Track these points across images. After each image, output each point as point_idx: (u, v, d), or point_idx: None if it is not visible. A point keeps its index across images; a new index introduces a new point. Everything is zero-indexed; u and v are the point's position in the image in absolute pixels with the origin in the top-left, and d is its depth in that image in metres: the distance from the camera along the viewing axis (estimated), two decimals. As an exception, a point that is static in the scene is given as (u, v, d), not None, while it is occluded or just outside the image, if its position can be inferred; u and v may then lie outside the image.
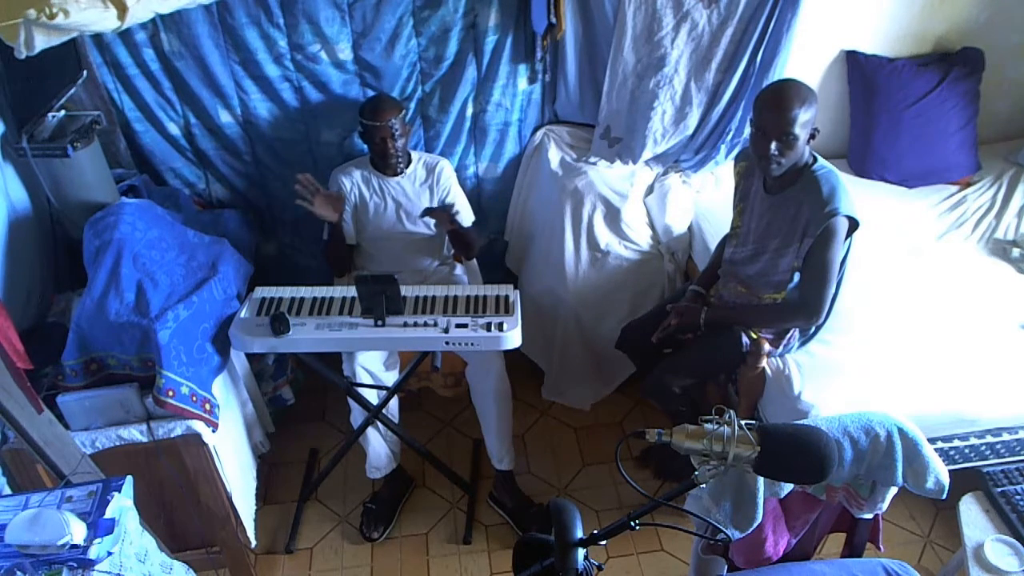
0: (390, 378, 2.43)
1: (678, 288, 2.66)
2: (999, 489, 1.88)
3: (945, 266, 2.52)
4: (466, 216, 2.53)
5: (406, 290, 2.15)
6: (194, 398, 1.93)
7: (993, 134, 3.00)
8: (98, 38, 2.28)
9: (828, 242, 1.93)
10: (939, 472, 1.62)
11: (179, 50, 2.34)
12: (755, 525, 1.61)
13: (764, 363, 2.16)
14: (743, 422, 1.24)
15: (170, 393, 1.86)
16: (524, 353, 2.86)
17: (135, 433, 1.90)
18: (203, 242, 2.22)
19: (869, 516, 1.77)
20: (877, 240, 2.45)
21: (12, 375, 1.44)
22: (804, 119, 1.88)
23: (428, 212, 2.37)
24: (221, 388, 2.12)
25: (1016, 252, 2.56)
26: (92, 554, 1.30)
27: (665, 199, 2.68)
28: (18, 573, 1.27)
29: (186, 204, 2.48)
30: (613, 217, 2.65)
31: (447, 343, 2.04)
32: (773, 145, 1.92)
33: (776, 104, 1.90)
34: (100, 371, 1.94)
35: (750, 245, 2.15)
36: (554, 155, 2.69)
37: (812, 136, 1.94)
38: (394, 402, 2.46)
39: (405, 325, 2.06)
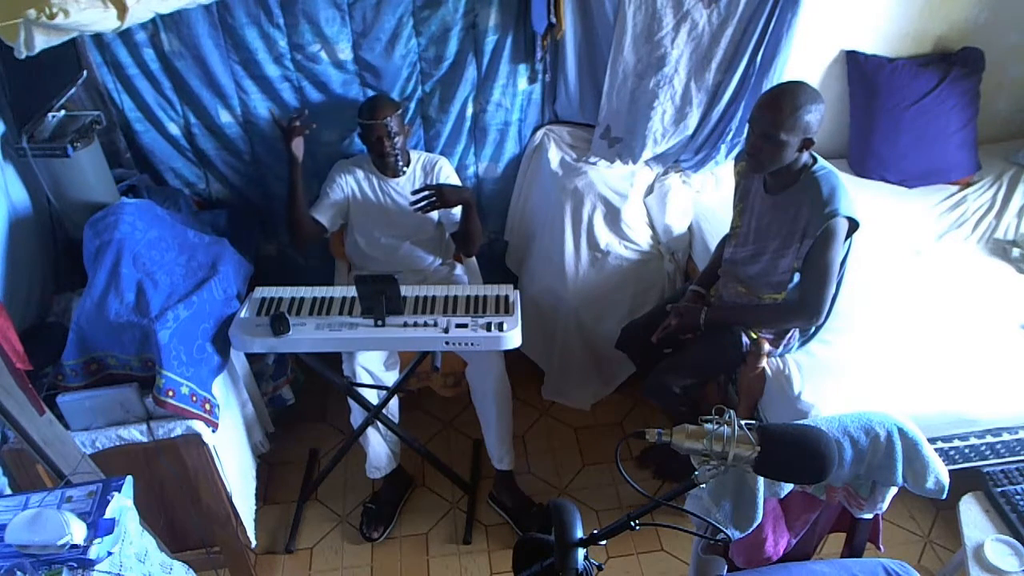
0: (390, 378, 2.43)
1: (678, 288, 2.66)
2: (999, 489, 1.88)
3: (945, 266, 2.52)
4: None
5: (406, 290, 2.15)
6: (194, 398, 1.93)
7: (993, 134, 3.00)
8: (98, 38, 2.28)
9: (828, 243, 1.93)
10: (939, 472, 1.62)
11: (179, 50, 2.34)
12: (755, 525, 1.61)
13: (764, 363, 2.16)
14: (743, 422, 1.24)
15: (170, 393, 1.86)
16: (524, 353, 2.86)
17: (135, 433, 1.90)
18: (203, 242, 2.22)
19: (869, 516, 1.77)
20: (877, 240, 2.45)
21: (13, 376, 1.44)
22: (794, 125, 1.87)
23: (415, 193, 2.35)
24: (221, 388, 2.12)
25: (1016, 252, 2.56)
26: (92, 554, 1.30)
27: (665, 199, 2.68)
28: (18, 573, 1.27)
29: (186, 204, 2.47)
30: (613, 217, 2.65)
31: (447, 343, 2.04)
32: (756, 143, 1.93)
33: (768, 105, 1.91)
34: (100, 371, 1.94)
35: (750, 245, 2.15)
36: (554, 155, 2.69)
37: (805, 144, 1.92)
38: (394, 402, 2.46)
39: (405, 325, 2.06)
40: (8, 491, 1.78)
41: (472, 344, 2.04)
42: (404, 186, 2.48)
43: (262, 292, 2.19)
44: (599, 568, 1.31)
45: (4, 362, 1.42)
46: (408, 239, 2.53)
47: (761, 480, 1.58)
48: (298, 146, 2.39)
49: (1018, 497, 1.85)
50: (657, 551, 2.45)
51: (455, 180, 2.54)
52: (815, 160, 2.01)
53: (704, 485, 1.25)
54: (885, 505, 1.72)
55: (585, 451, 2.81)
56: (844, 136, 2.96)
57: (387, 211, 2.49)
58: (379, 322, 2.06)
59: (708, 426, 1.24)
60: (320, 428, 2.90)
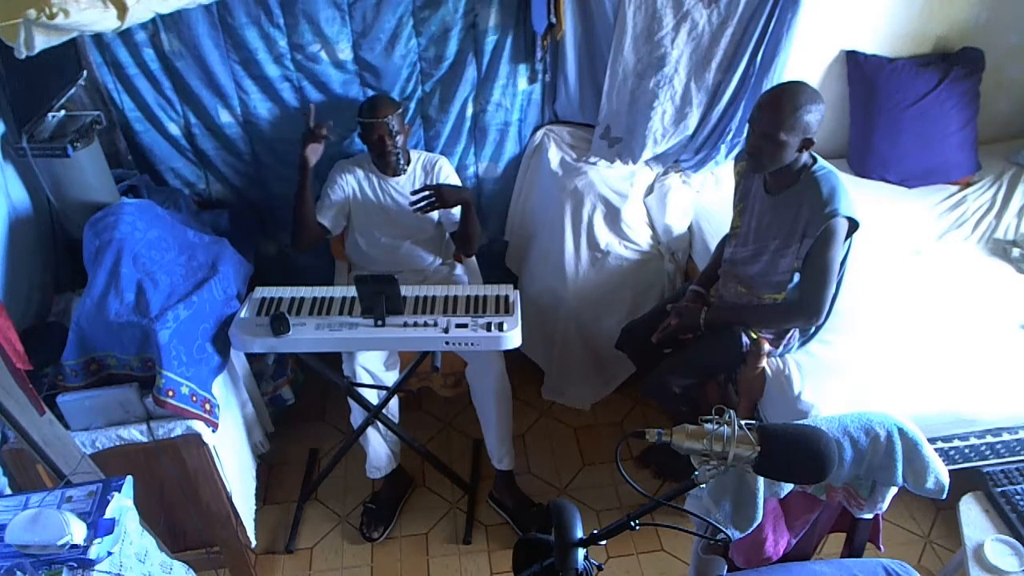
0: (390, 378, 2.43)
1: (678, 288, 2.66)
2: (999, 489, 1.88)
3: (945, 266, 2.52)
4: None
5: (406, 290, 2.15)
6: (194, 398, 1.93)
7: (993, 134, 3.00)
8: (98, 38, 2.28)
9: (828, 243, 1.93)
10: (939, 472, 1.62)
11: (179, 50, 2.34)
12: (755, 525, 1.61)
13: (764, 363, 2.16)
14: (743, 422, 1.24)
15: (170, 393, 1.86)
16: (524, 353, 2.86)
17: (135, 433, 1.90)
18: (203, 242, 2.22)
19: (869, 516, 1.77)
20: (877, 240, 2.45)
21: (13, 376, 1.44)
22: (794, 125, 1.87)
23: (414, 193, 2.35)
24: (221, 388, 2.12)
25: (1016, 252, 2.56)
26: (92, 554, 1.30)
27: (665, 199, 2.68)
28: (18, 573, 1.27)
29: (186, 204, 2.47)
30: (613, 217, 2.65)
31: (447, 343, 2.04)
32: (756, 143, 1.94)
33: (768, 105, 1.91)
34: (100, 371, 1.94)
35: (750, 245, 2.15)
36: (554, 155, 2.69)
37: (805, 144, 1.92)
38: (394, 402, 2.46)
39: (405, 325, 2.06)
40: (8, 491, 1.78)
41: (472, 344, 2.04)
42: (404, 185, 2.48)
43: (262, 292, 2.19)
44: (599, 568, 1.31)
45: (4, 362, 1.42)
46: (408, 239, 2.53)
47: (761, 480, 1.58)
48: (314, 152, 2.36)
49: (1018, 497, 1.85)
50: (657, 551, 2.45)
51: (455, 180, 2.54)
52: (815, 160, 2.01)
53: (704, 485, 1.25)
54: (885, 505, 1.72)
55: (585, 451, 2.81)
56: (844, 136, 2.96)
57: (387, 210, 2.49)
58: (379, 322, 2.06)
59: (708, 426, 1.24)
60: (320, 428, 2.90)
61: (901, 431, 1.59)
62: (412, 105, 2.59)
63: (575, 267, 2.69)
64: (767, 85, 2.45)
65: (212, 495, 2.08)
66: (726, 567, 1.81)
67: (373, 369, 2.38)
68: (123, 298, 1.90)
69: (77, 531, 1.30)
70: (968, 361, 2.16)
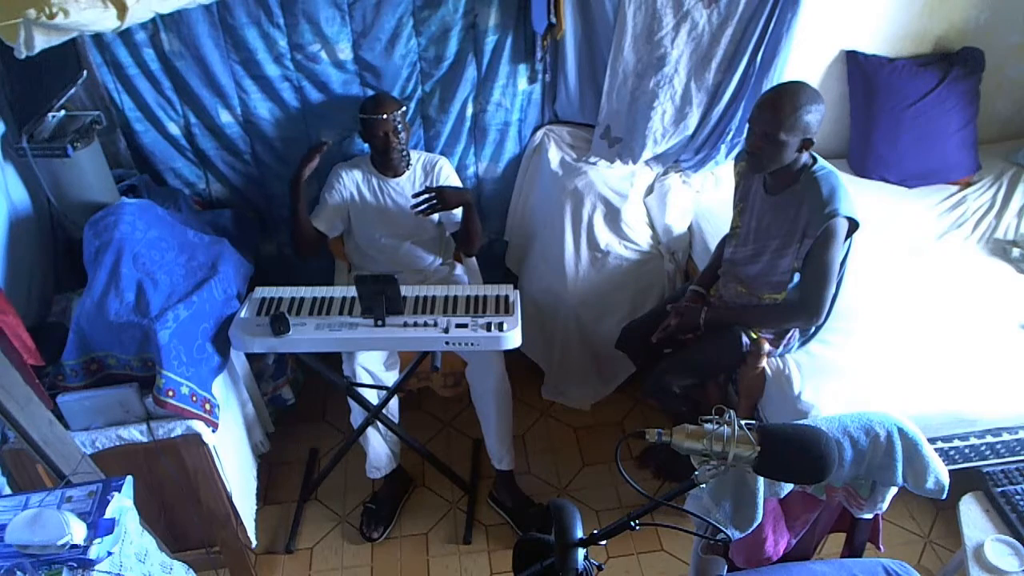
0: (390, 378, 2.43)
1: (678, 288, 2.66)
2: (999, 489, 1.88)
3: (945, 266, 2.52)
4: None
5: (406, 290, 2.15)
6: (194, 398, 1.93)
7: (993, 134, 3.00)
8: (98, 38, 2.28)
9: (828, 243, 1.93)
10: (939, 472, 1.62)
11: (179, 50, 2.34)
12: (755, 525, 1.61)
13: (764, 363, 2.17)
14: (743, 422, 1.24)
15: (170, 393, 1.86)
16: (524, 353, 2.86)
17: (135, 433, 1.90)
18: (203, 242, 2.22)
19: (869, 516, 1.77)
20: (877, 240, 2.45)
21: (21, 372, 1.44)
22: (794, 125, 1.87)
23: (416, 196, 2.35)
24: (221, 388, 2.12)
25: (1016, 252, 2.56)
26: (92, 554, 1.30)
27: (665, 199, 2.68)
28: (18, 573, 1.27)
29: (186, 204, 2.47)
30: (613, 217, 2.65)
31: (447, 343, 2.04)
32: (756, 143, 1.94)
33: (768, 105, 1.92)
34: (100, 371, 1.94)
35: (750, 245, 2.15)
36: (554, 155, 2.69)
37: (805, 145, 1.92)
38: (394, 402, 2.46)
39: (405, 325, 2.06)
40: (8, 491, 1.78)
41: (472, 344, 2.04)
42: (404, 186, 2.48)
43: (262, 292, 2.19)
44: (599, 568, 1.31)
45: (12, 359, 1.42)
46: (408, 239, 2.53)
47: (761, 480, 1.58)
48: (310, 168, 2.40)
49: (1018, 497, 1.85)
50: (657, 551, 2.45)
51: (455, 180, 2.54)
52: (815, 160, 2.01)
53: (704, 485, 1.25)
54: (885, 505, 1.72)
55: (585, 451, 2.81)
56: (844, 136, 2.97)
57: (387, 211, 2.49)
58: (379, 322, 2.06)
59: (708, 426, 1.24)
60: (320, 428, 2.90)
61: (901, 431, 1.59)
62: (412, 105, 2.58)
63: (575, 267, 2.69)
64: (767, 85, 2.45)
65: (212, 495, 2.08)
66: (726, 567, 1.81)
67: (373, 369, 2.38)
68: (123, 298, 1.90)
69: (77, 531, 1.30)
70: (968, 361, 2.16)
